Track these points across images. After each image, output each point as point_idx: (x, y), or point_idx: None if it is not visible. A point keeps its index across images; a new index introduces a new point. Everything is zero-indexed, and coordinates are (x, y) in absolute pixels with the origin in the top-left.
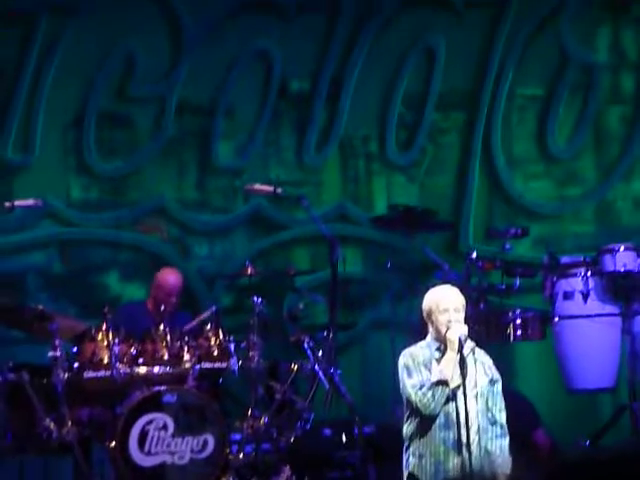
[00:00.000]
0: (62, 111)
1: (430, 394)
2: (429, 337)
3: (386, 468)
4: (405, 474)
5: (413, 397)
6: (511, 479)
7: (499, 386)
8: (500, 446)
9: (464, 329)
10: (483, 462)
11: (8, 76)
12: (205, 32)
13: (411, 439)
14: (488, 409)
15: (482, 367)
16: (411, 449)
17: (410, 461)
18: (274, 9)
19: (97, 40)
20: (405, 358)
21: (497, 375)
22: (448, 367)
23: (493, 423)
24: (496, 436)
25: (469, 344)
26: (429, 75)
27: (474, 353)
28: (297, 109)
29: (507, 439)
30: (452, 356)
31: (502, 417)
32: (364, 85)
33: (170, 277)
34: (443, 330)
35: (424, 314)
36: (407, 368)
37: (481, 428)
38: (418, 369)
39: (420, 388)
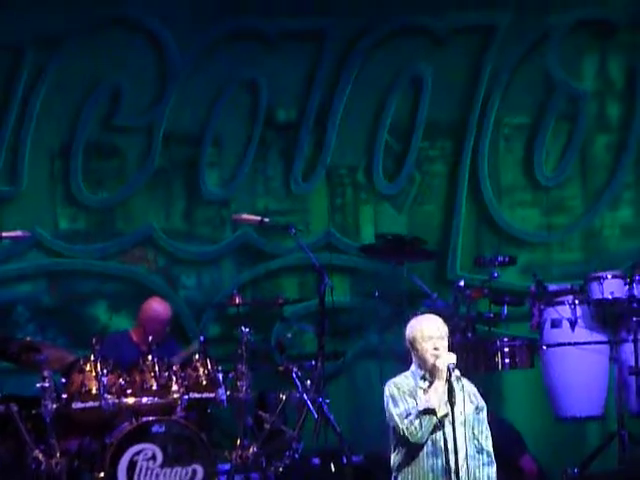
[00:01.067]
0: (49, 142)
1: (417, 422)
2: (413, 366)
3: None
4: None
5: (400, 425)
6: None
7: (484, 414)
8: (487, 474)
9: (452, 357)
10: None
11: None
12: (191, 62)
13: (399, 469)
14: (474, 437)
15: (467, 395)
16: (399, 479)
17: None
18: (260, 38)
19: (83, 71)
20: (390, 388)
21: (482, 403)
22: (435, 395)
23: (480, 451)
24: (483, 464)
25: (456, 372)
26: (416, 104)
27: (460, 381)
28: (284, 138)
29: (494, 467)
30: (440, 385)
31: (488, 445)
32: (351, 114)
33: (160, 307)
34: (429, 359)
35: (407, 343)
36: (392, 397)
37: (468, 455)
38: (403, 398)
39: (407, 416)
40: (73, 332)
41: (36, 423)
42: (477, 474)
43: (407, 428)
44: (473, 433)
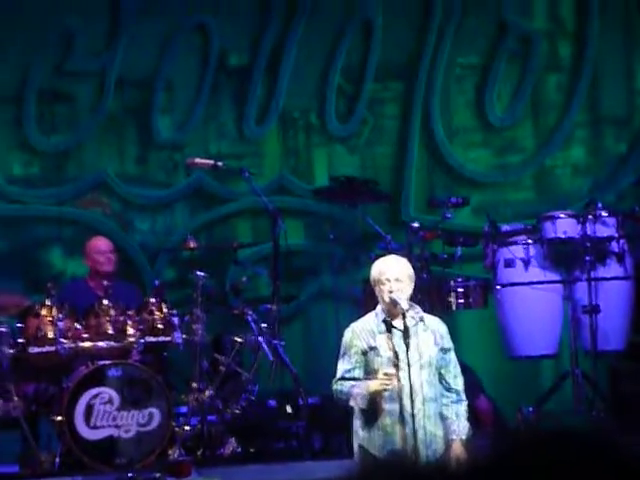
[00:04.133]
0: (1, 89)
1: (345, 397)
2: (379, 307)
3: (331, 437)
4: (355, 446)
5: (332, 383)
6: (468, 446)
7: (451, 354)
8: (456, 412)
9: (403, 300)
10: (428, 443)
11: None
12: (143, 5)
13: (360, 412)
14: (441, 377)
15: (432, 336)
16: (359, 422)
17: (360, 434)
18: None
19: (34, 15)
20: (346, 335)
21: (449, 344)
22: (368, 395)
23: (448, 390)
24: (452, 402)
25: (414, 313)
26: (367, 46)
27: (424, 322)
28: (236, 82)
29: (464, 404)
30: (375, 388)
31: (457, 383)
32: (303, 57)
33: (97, 240)
34: (385, 299)
35: (372, 283)
36: (343, 347)
37: (427, 398)
38: (350, 353)
39: (341, 378)
40: (28, 277)
41: None
42: (446, 412)
43: (335, 390)
44: (440, 373)
